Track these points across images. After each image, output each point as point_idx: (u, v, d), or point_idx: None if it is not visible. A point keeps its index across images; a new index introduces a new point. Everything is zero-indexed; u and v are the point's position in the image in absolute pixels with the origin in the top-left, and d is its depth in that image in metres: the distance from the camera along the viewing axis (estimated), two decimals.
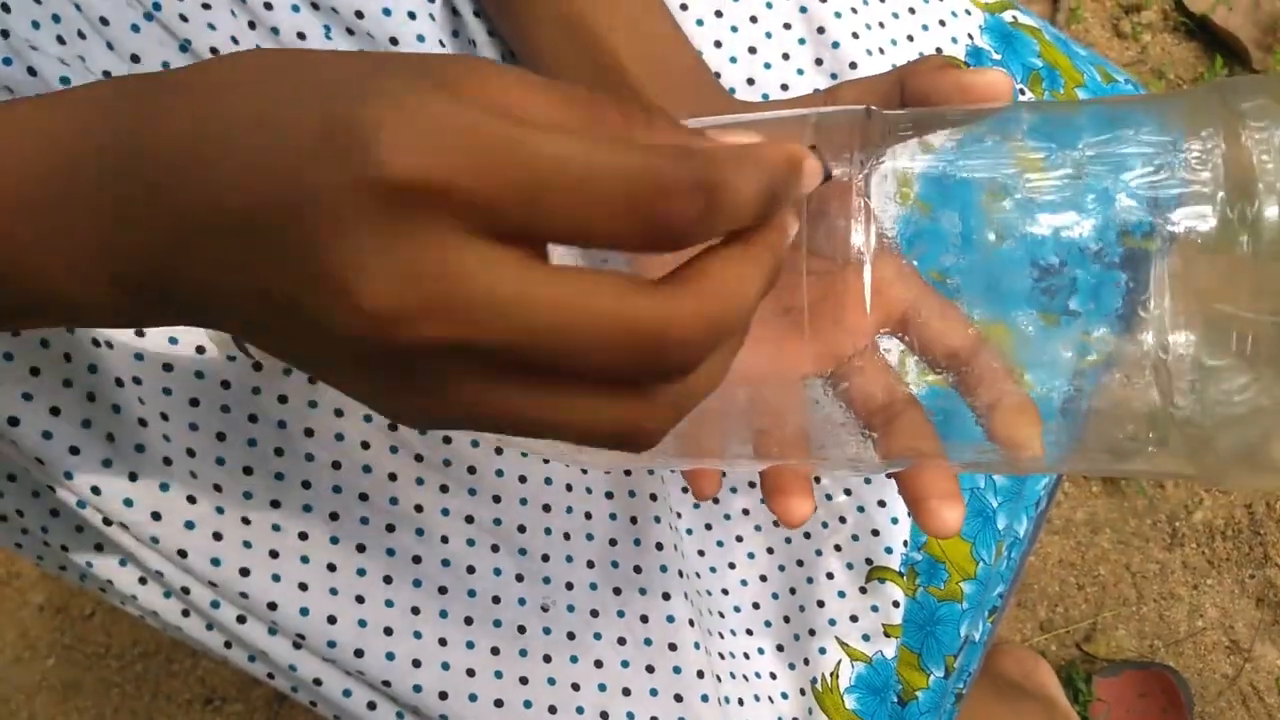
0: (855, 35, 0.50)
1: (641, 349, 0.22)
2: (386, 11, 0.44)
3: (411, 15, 0.45)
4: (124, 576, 0.42)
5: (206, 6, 0.41)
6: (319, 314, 0.22)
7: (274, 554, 0.41)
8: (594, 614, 0.46)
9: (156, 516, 0.39)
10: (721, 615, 0.50)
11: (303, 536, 0.42)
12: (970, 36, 0.54)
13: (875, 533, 0.50)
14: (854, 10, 0.51)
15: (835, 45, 0.50)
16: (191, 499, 0.40)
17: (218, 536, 0.40)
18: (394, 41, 0.45)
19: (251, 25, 0.43)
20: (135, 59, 0.40)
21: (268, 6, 0.43)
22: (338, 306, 0.21)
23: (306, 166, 0.21)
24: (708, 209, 0.22)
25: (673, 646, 0.46)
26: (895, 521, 0.50)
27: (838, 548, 0.51)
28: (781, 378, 0.32)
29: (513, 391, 0.23)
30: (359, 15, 0.44)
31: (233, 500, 0.41)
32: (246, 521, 0.41)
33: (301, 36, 0.43)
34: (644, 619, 0.46)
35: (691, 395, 0.25)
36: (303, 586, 0.41)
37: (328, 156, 0.21)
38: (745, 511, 0.51)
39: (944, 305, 0.31)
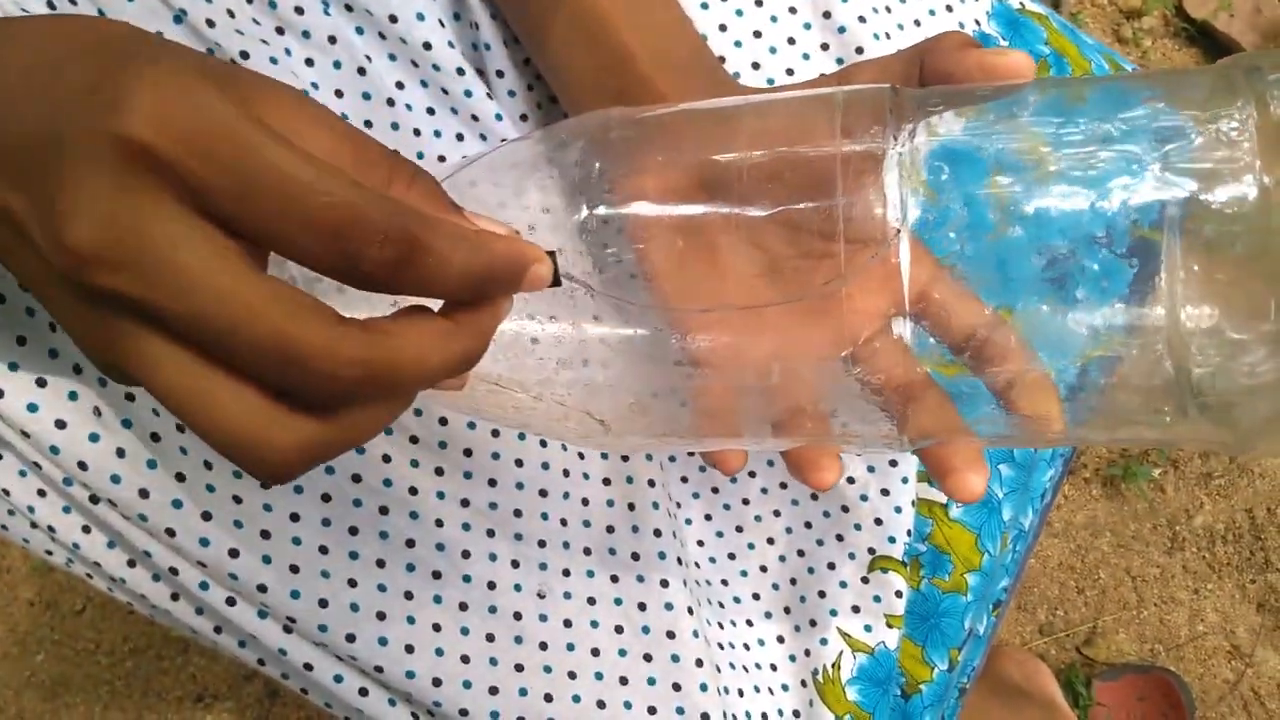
0: (862, 19, 0.50)
1: (288, 361, 0.24)
2: None
3: None
4: (112, 558, 0.41)
5: None
6: (38, 240, 0.24)
7: (265, 534, 0.40)
8: (591, 601, 0.45)
9: (144, 494, 0.39)
10: (721, 606, 0.49)
11: (294, 518, 0.41)
12: (978, 22, 0.53)
13: (879, 521, 0.49)
14: None
15: (841, 30, 0.50)
16: (180, 476, 0.39)
17: (207, 516, 0.39)
18: (393, 19, 0.44)
19: None
20: None
21: None
22: (49, 237, 0.23)
23: (63, 112, 0.24)
24: (400, 263, 0.24)
25: (670, 634, 0.45)
26: (899, 510, 0.50)
27: (839, 537, 0.50)
28: (806, 357, 0.32)
29: (168, 358, 0.24)
30: None
31: (223, 479, 0.40)
32: (238, 500, 0.40)
33: (299, 12, 0.43)
34: (641, 607, 0.45)
35: (327, 441, 0.26)
36: (294, 569, 0.41)
37: (84, 107, 0.23)
38: (745, 501, 0.50)
39: (959, 286, 0.31)
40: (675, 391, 0.33)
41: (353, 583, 0.41)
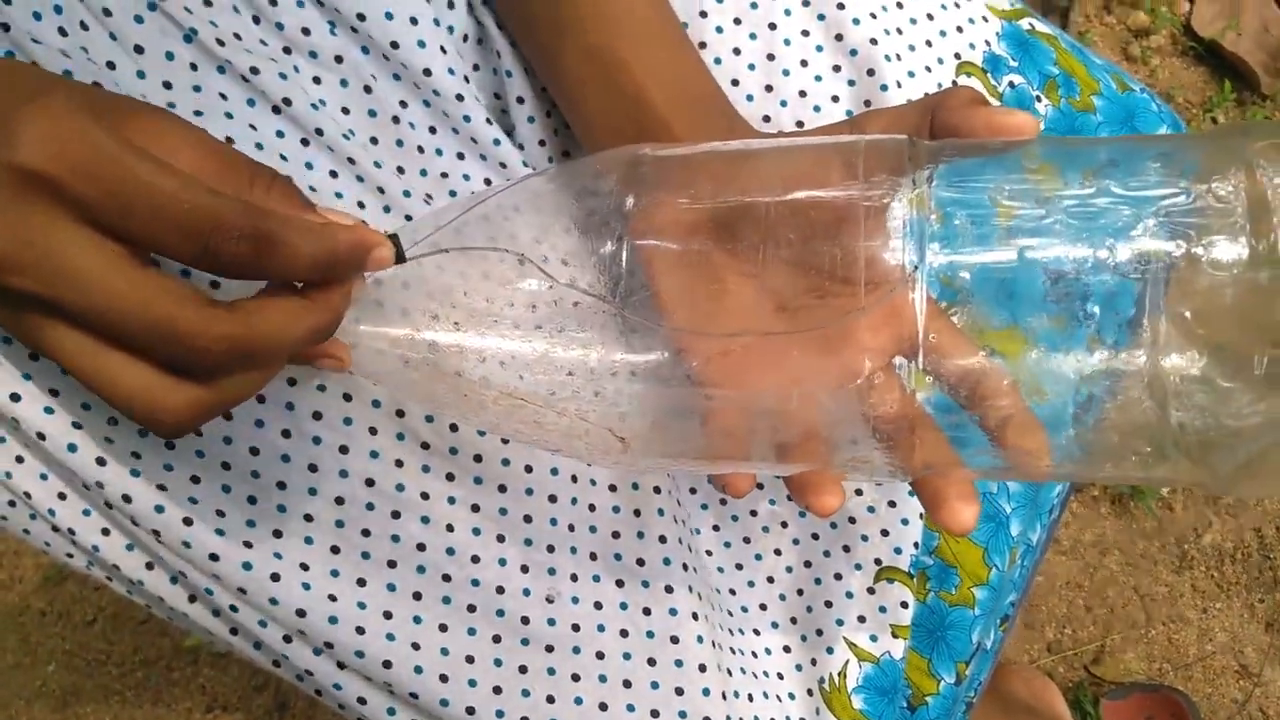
0: (873, 41, 0.50)
1: (168, 341, 0.29)
2: (389, 15, 0.44)
3: (414, 20, 0.45)
4: (131, 560, 0.42)
5: (208, 4, 0.41)
6: None
7: (277, 534, 0.41)
8: (597, 606, 0.45)
9: (162, 489, 0.39)
10: (730, 614, 0.50)
11: (308, 518, 0.41)
12: (988, 43, 0.54)
13: (885, 533, 0.50)
14: (872, 16, 0.51)
15: (853, 52, 0.50)
16: (195, 479, 0.40)
17: (220, 514, 0.40)
18: (394, 45, 0.44)
19: (256, 20, 0.42)
20: (139, 50, 0.40)
21: (272, 2, 0.43)
22: None
23: None
24: (256, 254, 0.29)
25: (675, 640, 0.46)
26: (905, 523, 0.50)
27: (846, 548, 0.50)
28: (818, 387, 0.34)
29: (72, 342, 0.29)
30: (360, 17, 0.44)
31: (240, 480, 0.40)
32: (252, 501, 0.40)
33: (306, 32, 0.43)
34: (646, 611, 0.46)
35: (211, 402, 0.31)
36: (304, 567, 0.41)
37: None
38: (753, 513, 0.51)
39: (953, 328, 0.33)
40: (694, 412, 0.35)
41: (362, 582, 0.42)
